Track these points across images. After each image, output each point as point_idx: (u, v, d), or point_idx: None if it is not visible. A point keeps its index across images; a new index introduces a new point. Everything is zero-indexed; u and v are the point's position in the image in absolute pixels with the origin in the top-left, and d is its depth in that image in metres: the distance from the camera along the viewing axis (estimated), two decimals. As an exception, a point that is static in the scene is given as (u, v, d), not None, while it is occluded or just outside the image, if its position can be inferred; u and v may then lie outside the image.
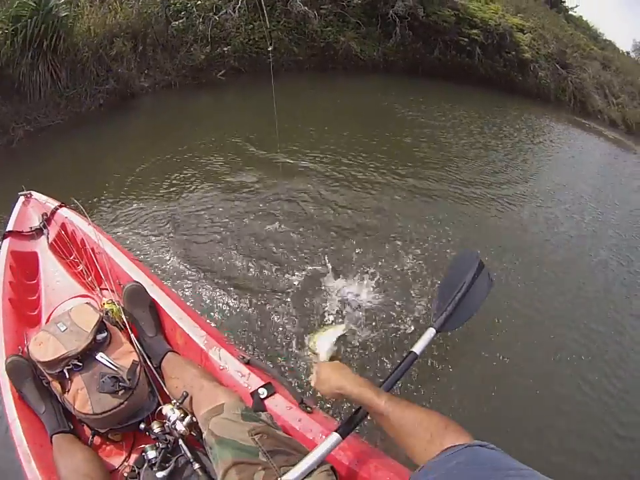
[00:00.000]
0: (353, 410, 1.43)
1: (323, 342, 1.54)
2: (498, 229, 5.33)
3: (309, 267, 3.82)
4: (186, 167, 5.71)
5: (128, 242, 4.02)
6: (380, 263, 3.93)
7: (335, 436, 1.31)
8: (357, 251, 4.10)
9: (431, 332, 1.74)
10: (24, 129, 6.51)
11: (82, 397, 1.63)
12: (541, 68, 16.14)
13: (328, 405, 2.53)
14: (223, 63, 9.92)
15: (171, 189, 5.16)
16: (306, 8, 10.80)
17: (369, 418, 1.37)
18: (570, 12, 24.58)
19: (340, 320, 3.17)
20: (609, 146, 13.47)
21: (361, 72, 12.19)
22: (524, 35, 16.06)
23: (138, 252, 3.86)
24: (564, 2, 24.38)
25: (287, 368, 2.82)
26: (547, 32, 17.35)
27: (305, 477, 1.20)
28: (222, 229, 4.35)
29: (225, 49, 9.80)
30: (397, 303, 3.51)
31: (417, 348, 1.63)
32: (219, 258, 3.91)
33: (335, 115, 9.08)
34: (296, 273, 3.75)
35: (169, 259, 3.82)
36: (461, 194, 5.89)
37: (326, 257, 3.88)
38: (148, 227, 4.34)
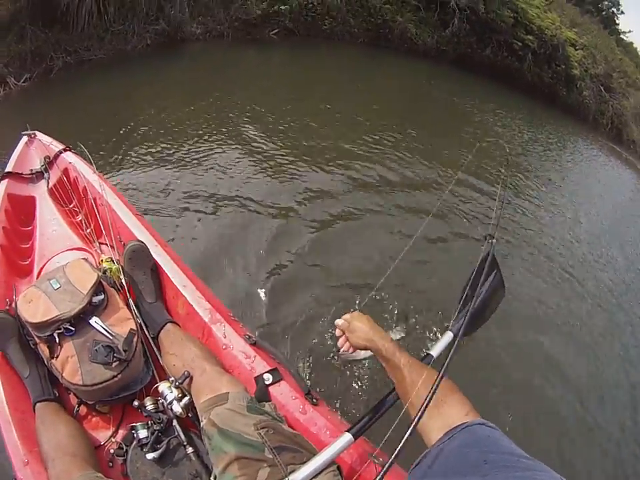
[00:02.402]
0: (361, 416, 1.31)
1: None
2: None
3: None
4: (217, 126, 5.20)
5: (134, 198, 3.56)
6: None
7: (347, 436, 1.20)
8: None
9: (449, 336, 1.67)
10: (63, 59, 5.98)
11: (72, 365, 1.41)
12: (586, 87, 15.33)
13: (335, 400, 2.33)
14: (278, 22, 9.35)
15: (193, 149, 4.59)
16: None
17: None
18: (622, 35, 23.34)
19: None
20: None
21: (411, 55, 11.64)
22: (576, 50, 15.25)
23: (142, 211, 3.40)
24: (618, 24, 23.16)
25: (296, 355, 2.53)
26: (597, 52, 16.34)
27: (312, 477, 1.10)
28: (239, 201, 3.85)
29: (282, 7, 9.17)
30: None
31: (435, 351, 1.56)
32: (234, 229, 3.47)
33: (379, 93, 8.43)
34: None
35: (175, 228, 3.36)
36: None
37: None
38: (159, 186, 3.84)
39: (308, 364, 2.48)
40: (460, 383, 1.04)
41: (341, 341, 1.39)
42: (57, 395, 1.53)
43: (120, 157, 4.18)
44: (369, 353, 1.37)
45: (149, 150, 4.37)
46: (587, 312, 4.11)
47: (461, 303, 2.08)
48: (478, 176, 5.77)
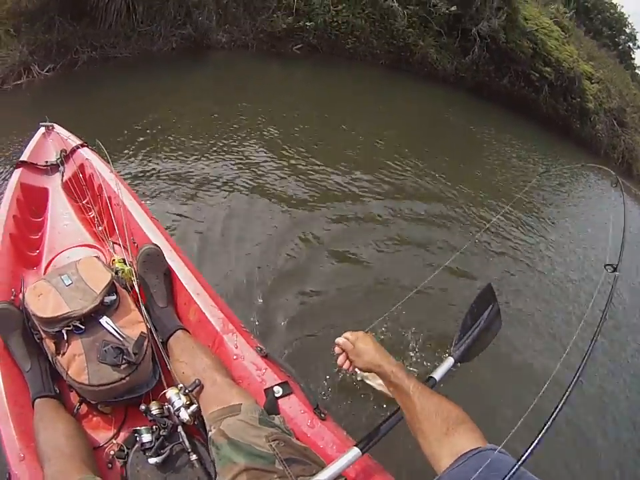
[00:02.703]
0: (369, 431, 1.33)
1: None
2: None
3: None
4: (235, 138, 5.11)
5: (149, 203, 3.50)
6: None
7: (355, 450, 1.22)
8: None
9: (450, 361, 1.73)
10: (88, 54, 6.03)
11: (79, 364, 1.37)
12: (600, 120, 15.25)
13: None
14: (302, 37, 9.40)
15: (210, 157, 4.54)
16: (395, 3, 10.04)
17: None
18: (637, 70, 23.48)
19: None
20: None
21: (430, 80, 11.62)
22: (591, 84, 15.22)
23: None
24: (633, 59, 23.31)
25: (306, 370, 2.42)
26: (612, 86, 16.35)
27: None
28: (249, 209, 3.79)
29: (308, 23, 9.23)
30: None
31: (437, 374, 1.61)
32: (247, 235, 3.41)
33: (399, 116, 8.41)
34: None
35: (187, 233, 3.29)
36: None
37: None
38: (175, 192, 3.77)
39: (319, 380, 2.39)
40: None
41: (340, 360, 1.33)
42: (58, 391, 1.49)
43: (134, 158, 4.13)
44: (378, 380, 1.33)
45: (166, 155, 4.33)
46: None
47: (461, 330, 2.16)
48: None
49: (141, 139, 4.48)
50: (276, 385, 1.53)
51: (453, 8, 11.10)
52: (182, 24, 7.31)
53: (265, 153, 4.89)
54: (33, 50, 5.32)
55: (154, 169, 4.02)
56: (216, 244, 3.26)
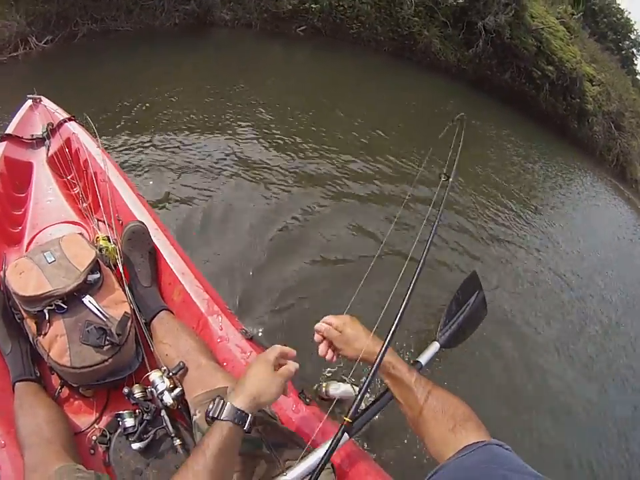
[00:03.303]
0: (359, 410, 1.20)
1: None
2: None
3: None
4: (229, 116, 5.00)
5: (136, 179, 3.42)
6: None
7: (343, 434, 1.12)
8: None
9: (435, 346, 1.71)
10: (89, 26, 5.85)
11: (60, 345, 1.30)
12: (597, 122, 15.27)
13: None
14: (306, 19, 9.22)
15: (203, 135, 4.42)
16: None
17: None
18: (638, 76, 23.41)
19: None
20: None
21: (432, 70, 11.55)
22: (592, 86, 15.17)
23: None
24: (636, 65, 23.24)
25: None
26: (613, 90, 16.30)
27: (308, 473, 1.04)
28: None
29: (313, 5, 9.04)
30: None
31: (423, 359, 1.57)
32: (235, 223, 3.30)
33: (397, 104, 8.30)
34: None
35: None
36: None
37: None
38: (163, 170, 3.66)
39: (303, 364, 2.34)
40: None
41: (322, 349, 1.18)
42: (39, 374, 1.43)
43: (125, 134, 4.01)
44: (350, 392, 1.23)
45: (159, 133, 4.21)
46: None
47: (446, 316, 2.17)
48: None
49: (134, 114, 4.37)
50: None
51: (461, 0, 10.97)
52: (186, -1, 7.14)
53: (257, 134, 4.78)
54: (31, 21, 5.14)
55: (144, 145, 3.91)
56: (203, 224, 3.19)
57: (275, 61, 7.95)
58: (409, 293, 1.18)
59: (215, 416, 0.95)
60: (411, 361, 1.72)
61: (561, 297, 4.56)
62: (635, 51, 24.53)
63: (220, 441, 0.91)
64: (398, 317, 1.11)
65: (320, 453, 1.11)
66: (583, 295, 4.91)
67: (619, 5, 23.46)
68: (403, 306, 1.14)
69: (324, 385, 1.77)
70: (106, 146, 3.58)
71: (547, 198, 7.98)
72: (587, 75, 14.97)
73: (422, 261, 1.30)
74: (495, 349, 3.19)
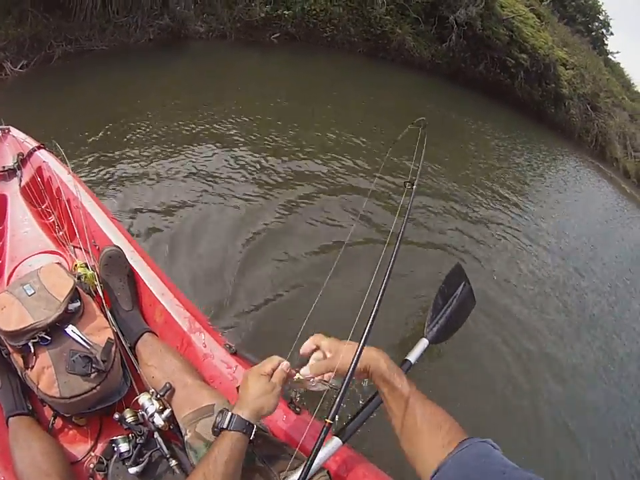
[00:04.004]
0: (348, 420, 1.33)
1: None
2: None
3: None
4: (204, 127, 4.95)
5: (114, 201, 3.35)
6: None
7: (335, 440, 1.21)
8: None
9: (424, 343, 1.68)
10: (63, 47, 5.73)
11: (48, 376, 1.30)
12: (574, 105, 15.36)
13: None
14: (280, 26, 9.17)
15: (176, 147, 4.35)
16: None
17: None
18: (610, 56, 23.62)
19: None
20: (622, 198, 12.52)
21: (407, 67, 11.56)
22: (566, 70, 15.31)
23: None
24: (607, 45, 23.44)
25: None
26: (586, 72, 16.45)
27: None
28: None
29: (286, 12, 9.02)
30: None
31: (412, 357, 1.54)
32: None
33: (375, 104, 8.28)
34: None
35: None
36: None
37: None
38: (135, 185, 3.63)
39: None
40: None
41: (318, 370, 1.10)
42: (31, 408, 1.42)
43: (102, 155, 3.92)
44: (326, 386, 1.10)
45: (133, 148, 4.16)
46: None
47: (432, 311, 2.14)
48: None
49: (110, 133, 4.29)
50: None
51: (431, -5, 11.05)
52: (159, 14, 7.05)
53: (228, 142, 4.77)
54: (4, 45, 5.04)
55: (118, 162, 3.84)
56: (180, 236, 3.18)
57: (249, 70, 7.92)
58: (379, 296, 1.17)
59: (224, 427, 1.00)
60: (401, 360, 1.70)
61: (549, 285, 4.61)
62: (604, 31, 24.75)
63: (230, 448, 0.96)
64: (371, 319, 1.09)
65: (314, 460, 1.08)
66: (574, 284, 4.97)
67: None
68: (375, 307, 1.13)
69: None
70: (81, 167, 3.57)
71: (533, 186, 8.06)
72: (560, 59, 15.11)
73: (389, 267, 1.28)
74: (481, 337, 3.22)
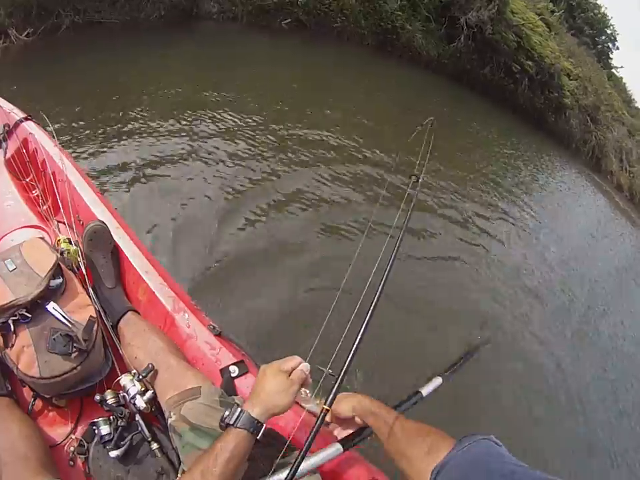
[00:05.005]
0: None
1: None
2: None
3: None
4: (207, 110, 4.81)
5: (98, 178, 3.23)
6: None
7: (337, 446, 1.15)
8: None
9: (438, 381, 1.65)
10: (71, 18, 5.51)
11: (28, 356, 1.24)
12: (574, 116, 15.29)
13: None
14: (291, 12, 8.99)
15: (174, 136, 4.18)
16: None
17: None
18: (613, 70, 23.51)
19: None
20: (614, 212, 12.54)
21: (412, 64, 11.41)
22: (570, 80, 15.18)
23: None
24: (611, 59, 23.35)
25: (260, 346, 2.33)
26: (589, 84, 16.36)
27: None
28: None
29: (298, -2, 8.75)
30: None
31: (424, 390, 1.51)
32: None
33: (375, 98, 8.16)
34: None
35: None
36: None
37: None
38: (127, 165, 3.49)
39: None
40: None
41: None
42: (10, 389, 1.35)
43: (95, 130, 3.79)
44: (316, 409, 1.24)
45: (134, 127, 4.04)
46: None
47: (458, 359, 2.06)
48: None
49: (111, 110, 4.18)
50: (231, 364, 1.45)
51: (445, -5, 10.89)
52: (172, -10, 6.86)
53: (228, 128, 4.66)
54: (10, 12, 4.82)
55: (114, 141, 3.73)
56: (171, 221, 3.11)
57: (258, 56, 7.73)
58: (379, 289, 1.20)
59: (231, 423, 0.95)
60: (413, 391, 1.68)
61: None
62: (610, 45, 24.64)
63: (233, 446, 0.92)
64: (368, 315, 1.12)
65: (309, 459, 1.10)
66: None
67: (595, 0, 23.52)
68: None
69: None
70: (74, 142, 3.44)
71: (531, 194, 8.01)
72: (565, 69, 15.02)
73: (388, 267, 1.29)
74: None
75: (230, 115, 4.90)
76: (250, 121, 4.95)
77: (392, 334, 2.81)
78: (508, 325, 3.71)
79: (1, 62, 4.58)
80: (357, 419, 1.20)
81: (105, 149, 3.55)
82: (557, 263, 5.59)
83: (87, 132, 3.67)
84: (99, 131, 3.76)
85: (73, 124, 3.65)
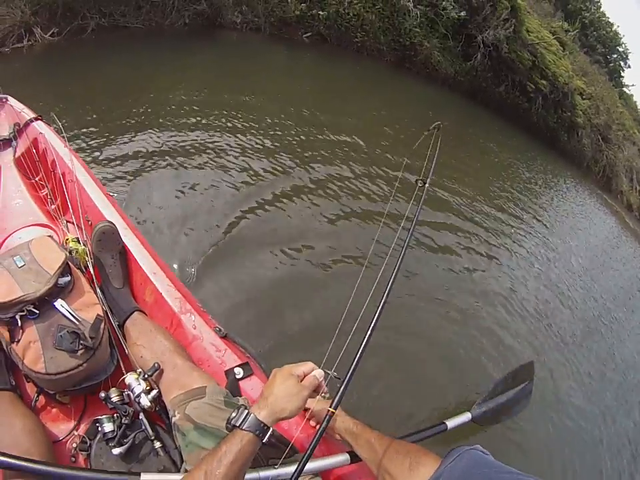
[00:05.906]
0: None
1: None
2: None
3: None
4: (223, 120, 4.63)
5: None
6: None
7: (345, 456, 1.19)
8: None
9: (467, 416, 1.65)
10: (96, 21, 5.52)
11: (34, 351, 1.22)
12: (586, 135, 15.09)
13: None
14: (312, 25, 9.02)
15: (186, 144, 4.00)
16: (410, 3, 9.67)
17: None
18: (624, 88, 23.31)
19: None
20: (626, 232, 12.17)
21: (429, 81, 11.34)
22: (582, 99, 15.02)
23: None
24: (623, 77, 23.16)
25: (266, 349, 2.29)
26: (602, 103, 16.17)
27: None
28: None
29: (320, 12, 8.86)
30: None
31: (450, 423, 1.50)
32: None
33: (395, 115, 8.00)
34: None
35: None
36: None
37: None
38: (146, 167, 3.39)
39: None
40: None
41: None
42: (14, 384, 1.33)
43: (108, 133, 3.65)
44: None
45: (149, 132, 3.89)
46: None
47: (489, 393, 2.07)
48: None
49: (133, 114, 4.07)
50: (236, 366, 1.45)
51: (463, 13, 10.81)
52: (197, -1, 6.88)
53: (244, 138, 4.45)
54: (35, 10, 4.78)
55: (125, 144, 3.59)
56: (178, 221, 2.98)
57: (278, 66, 7.74)
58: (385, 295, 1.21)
59: (238, 424, 0.92)
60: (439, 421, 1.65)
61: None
62: (622, 63, 24.44)
63: (238, 449, 0.88)
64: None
65: (315, 463, 1.14)
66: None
67: (608, 18, 23.41)
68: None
69: None
70: (90, 145, 3.35)
71: (543, 213, 7.73)
72: (578, 88, 14.89)
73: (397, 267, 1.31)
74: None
75: (246, 116, 4.82)
76: (264, 124, 4.86)
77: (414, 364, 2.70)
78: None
79: (25, 60, 4.54)
80: (337, 436, 1.26)
81: (117, 143, 3.49)
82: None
83: (103, 131, 3.59)
84: (118, 127, 3.70)
85: (87, 123, 3.55)
